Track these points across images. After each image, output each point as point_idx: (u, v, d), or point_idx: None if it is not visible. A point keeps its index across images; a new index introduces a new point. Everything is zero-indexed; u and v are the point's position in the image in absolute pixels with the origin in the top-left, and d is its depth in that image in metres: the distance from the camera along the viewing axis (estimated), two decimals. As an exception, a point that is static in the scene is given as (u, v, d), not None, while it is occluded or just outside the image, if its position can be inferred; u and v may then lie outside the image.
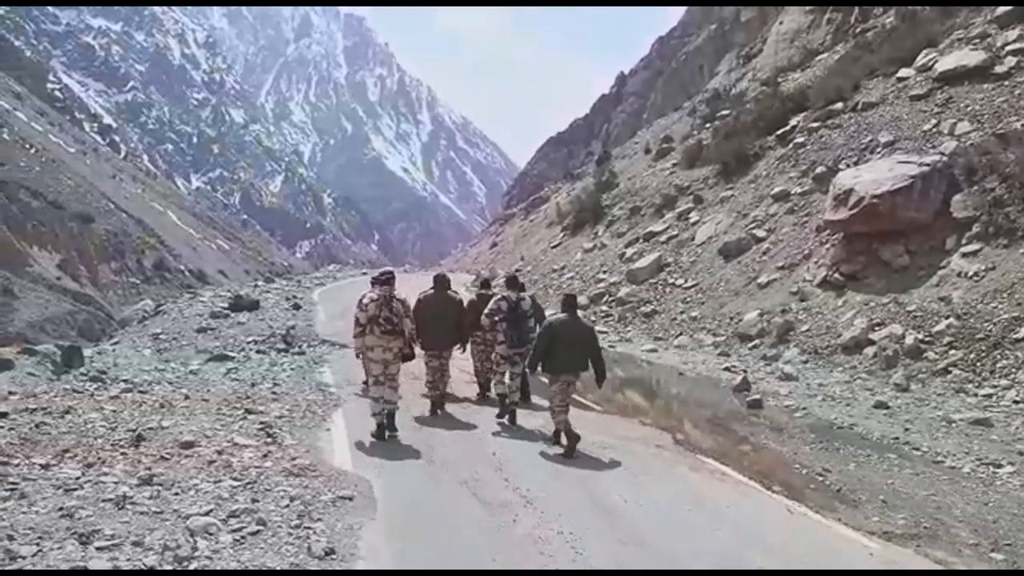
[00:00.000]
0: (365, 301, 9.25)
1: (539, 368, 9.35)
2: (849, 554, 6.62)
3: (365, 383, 10.05)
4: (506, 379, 10.72)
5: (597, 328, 20.62)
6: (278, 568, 5.40)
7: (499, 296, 10.85)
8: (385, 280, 9.40)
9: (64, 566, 5.04)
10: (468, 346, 11.52)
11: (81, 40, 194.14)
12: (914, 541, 7.04)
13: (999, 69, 18.20)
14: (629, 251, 25.22)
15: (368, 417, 9.47)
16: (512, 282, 11.42)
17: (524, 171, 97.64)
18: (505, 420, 10.39)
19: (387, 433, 9.24)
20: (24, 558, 5.11)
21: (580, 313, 9.89)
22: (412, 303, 10.12)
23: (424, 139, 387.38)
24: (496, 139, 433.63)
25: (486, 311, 10.64)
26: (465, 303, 11.46)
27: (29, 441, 7.78)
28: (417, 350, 9.99)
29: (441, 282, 11.13)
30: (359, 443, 8.95)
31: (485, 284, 12.82)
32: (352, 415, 10.41)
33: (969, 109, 17.74)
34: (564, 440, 9.14)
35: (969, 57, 19.06)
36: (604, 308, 22.60)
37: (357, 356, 9.49)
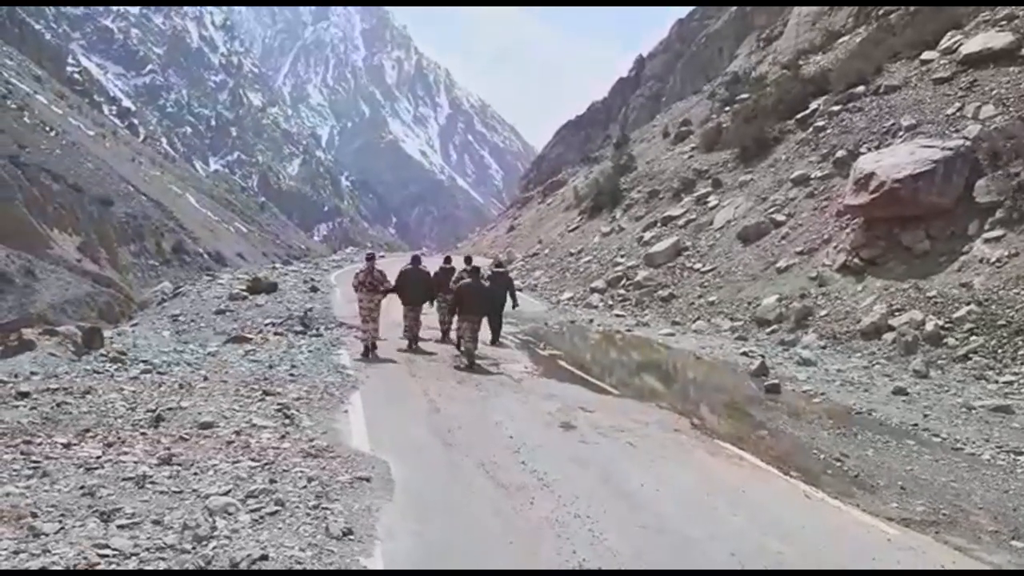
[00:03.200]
0: (357, 271, 14.50)
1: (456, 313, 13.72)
2: (867, 540, 6.58)
3: (363, 330, 14.19)
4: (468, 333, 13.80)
5: (614, 311, 20.70)
6: (297, 547, 5.44)
7: (462, 268, 15.53)
8: (371, 258, 14.61)
9: (86, 543, 5.10)
10: (434, 304, 15.70)
11: (100, 23, 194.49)
12: (933, 528, 6.99)
13: (1026, 51, 17.89)
14: (647, 235, 25.12)
15: (383, 401, 10.01)
16: (468, 260, 16.25)
17: (542, 154, 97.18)
18: (461, 348, 13.78)
19: (370, 353, 13.53)
20: (47, 535, 5.18)
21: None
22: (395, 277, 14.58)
23: (442, 122, 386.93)
24: (514, 122, 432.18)
25: (454, 278, 15.30)
26: (431, 274, 15.31)
27: (51, 421, 7.87)
28: (399, 304, 14.75)
29: (416, 260, 15.13)
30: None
31: (447, 260, 16.94)
32: (370, 397, 10.47)
33: (994, 92, 17.48)
34: (468, 360, 13.25)
35: (996, 39, 18.75)
36: (621, 292, 22.54)
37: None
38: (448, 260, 16.95)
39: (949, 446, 9.60)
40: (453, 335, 14.75)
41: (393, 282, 14.28)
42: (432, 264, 16.50)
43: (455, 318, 13.98)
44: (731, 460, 8.71)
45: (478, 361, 13.40)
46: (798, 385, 12.71)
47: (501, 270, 17.05)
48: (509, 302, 16.39)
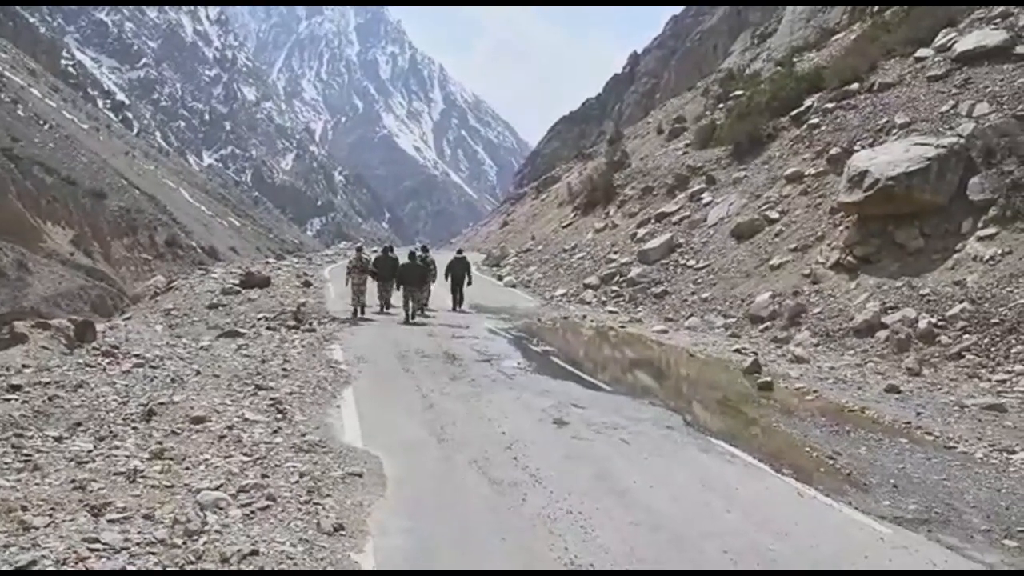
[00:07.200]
0: (349, 257, 19.68)
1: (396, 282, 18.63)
2: (859, 538, 6.58)
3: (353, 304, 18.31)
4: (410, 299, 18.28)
5: (608, 308, 20.71)
6: (288, 543, 5.42)
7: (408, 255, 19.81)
8: (359, 249, 19.83)
9: (76, 537, 5.07)
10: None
11: (94, 17, 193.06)
12: (925, 526, 6.99)
13: (1020, 49, 17.89)
14: (640, 231, 25.11)
15: (376, 396, 10.09)
16: (424, 249, 21.80)
17: (536, 150, 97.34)
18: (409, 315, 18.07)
19: (357, 317, 17.85)
20: (37, 528, 5.15)
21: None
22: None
23: (435, 117, 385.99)
24: (508, 118, 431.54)
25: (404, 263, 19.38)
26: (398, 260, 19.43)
27: (42, 414, 7.83)
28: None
29: (386, 249, 20.18)
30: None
31: (425, 249, 22.08)
32: (362, 392, 10.46)
33: (988, 90, 17.50)
34: (409, 316, 17.92)
35: (990, 37, 18.76)
36: (615, 288, 22.54)
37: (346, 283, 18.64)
38: (425, 249, 22.06)
39: (942, 444, 9.60)
40: (396, 302, 19.02)
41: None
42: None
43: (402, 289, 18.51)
44: (724, 457, 8.71)
45: (469, 348, 13.37)
46: (791, 383, 12.72)
47: (461, 256, 21.15)
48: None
